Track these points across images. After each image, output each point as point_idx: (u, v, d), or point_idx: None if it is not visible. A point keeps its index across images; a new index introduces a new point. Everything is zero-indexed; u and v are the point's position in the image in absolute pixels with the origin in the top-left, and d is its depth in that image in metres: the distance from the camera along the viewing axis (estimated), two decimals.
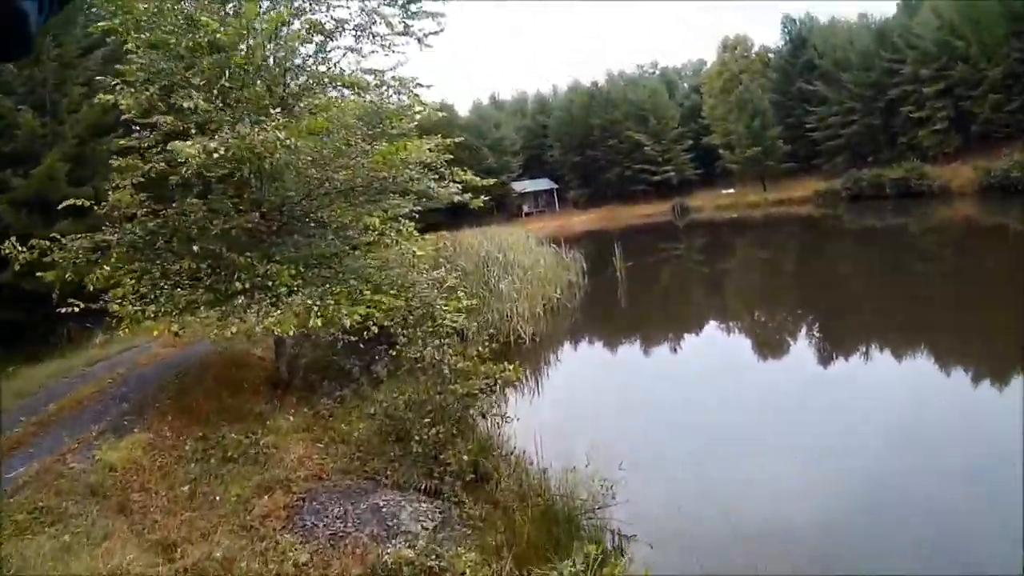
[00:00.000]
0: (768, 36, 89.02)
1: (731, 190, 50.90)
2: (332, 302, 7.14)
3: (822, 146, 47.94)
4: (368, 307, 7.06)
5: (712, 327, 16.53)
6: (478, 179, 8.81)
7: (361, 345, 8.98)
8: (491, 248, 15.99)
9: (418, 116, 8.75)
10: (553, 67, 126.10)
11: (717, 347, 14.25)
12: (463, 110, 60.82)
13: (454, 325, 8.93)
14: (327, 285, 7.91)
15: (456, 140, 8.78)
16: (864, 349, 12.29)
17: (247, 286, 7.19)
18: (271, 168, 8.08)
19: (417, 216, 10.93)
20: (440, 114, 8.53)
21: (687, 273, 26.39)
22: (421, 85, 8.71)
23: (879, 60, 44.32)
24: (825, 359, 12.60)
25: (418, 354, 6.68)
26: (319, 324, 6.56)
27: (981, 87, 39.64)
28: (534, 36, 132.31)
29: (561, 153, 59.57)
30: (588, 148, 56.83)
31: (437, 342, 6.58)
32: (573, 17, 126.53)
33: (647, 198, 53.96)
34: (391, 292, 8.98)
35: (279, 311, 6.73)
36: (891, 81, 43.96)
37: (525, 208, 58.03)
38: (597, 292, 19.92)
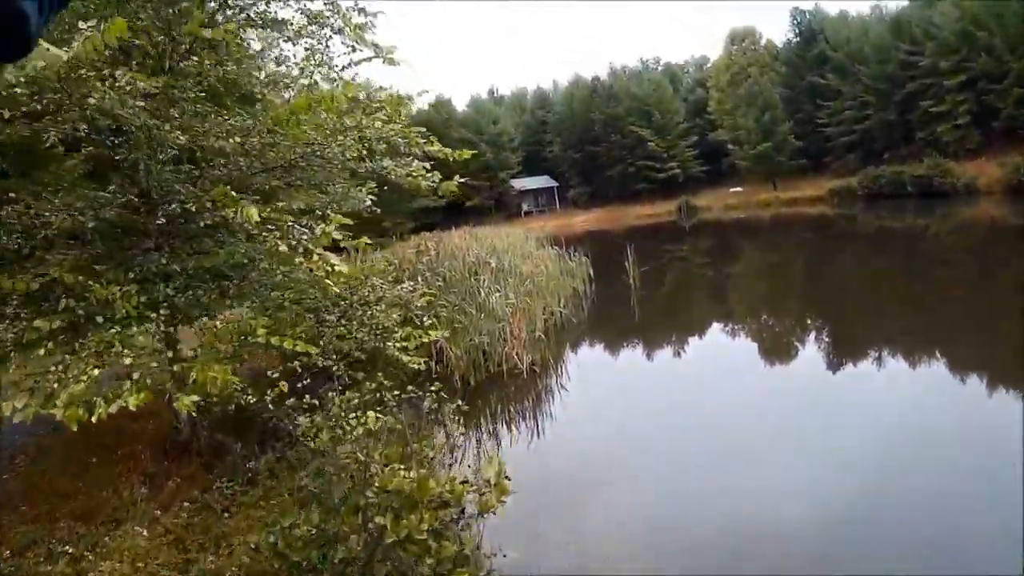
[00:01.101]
0: (768, 35, 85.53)
1: (739, 189, 47.77)
2: (193, 352, 4.17)
3: (834, 142, 44.89)
4: (224, 369, 4.07)
5: (740, 345, 13.51)
6: (449, 151, 5.86)
7: (280, 395, 5.99)
8: (482, 252, 12.95)
9: (362, 60, 5.79)
10: (550, 67, 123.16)
11: (750, 371, 11.27)
12: (460, 105, 58.02)
13: (416, 367, 5.98)
14: (213, 314, 4.93)
15: (410, 93, 5.74)
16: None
17: (54, 326, 4.23)
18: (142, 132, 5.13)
19: (368, 212, 7.97)
20: (394, 54, 5.53)
21: (701, 280, 23.32)
22: (366, 13, 5.69)
23: (895, 52, 41.29)
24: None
25: (327, 448, 3.71)
26: (139, 399, 3.63)
27: (1005, 80, 36.68)
28: (531, 36, 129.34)
29: (561, 149, 56.41)
30: (589, 144, 53.65)
31: (352, 435, 3.58)
32: (570, 17, 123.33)
33: (651, 197, 50.78)
34: (327, 321, 6.02)
35: (96, 371, 3.79)
36: (908, 74, 40.92)
37: (524, 207, 55.03)
38: (606, 302, 16.87)
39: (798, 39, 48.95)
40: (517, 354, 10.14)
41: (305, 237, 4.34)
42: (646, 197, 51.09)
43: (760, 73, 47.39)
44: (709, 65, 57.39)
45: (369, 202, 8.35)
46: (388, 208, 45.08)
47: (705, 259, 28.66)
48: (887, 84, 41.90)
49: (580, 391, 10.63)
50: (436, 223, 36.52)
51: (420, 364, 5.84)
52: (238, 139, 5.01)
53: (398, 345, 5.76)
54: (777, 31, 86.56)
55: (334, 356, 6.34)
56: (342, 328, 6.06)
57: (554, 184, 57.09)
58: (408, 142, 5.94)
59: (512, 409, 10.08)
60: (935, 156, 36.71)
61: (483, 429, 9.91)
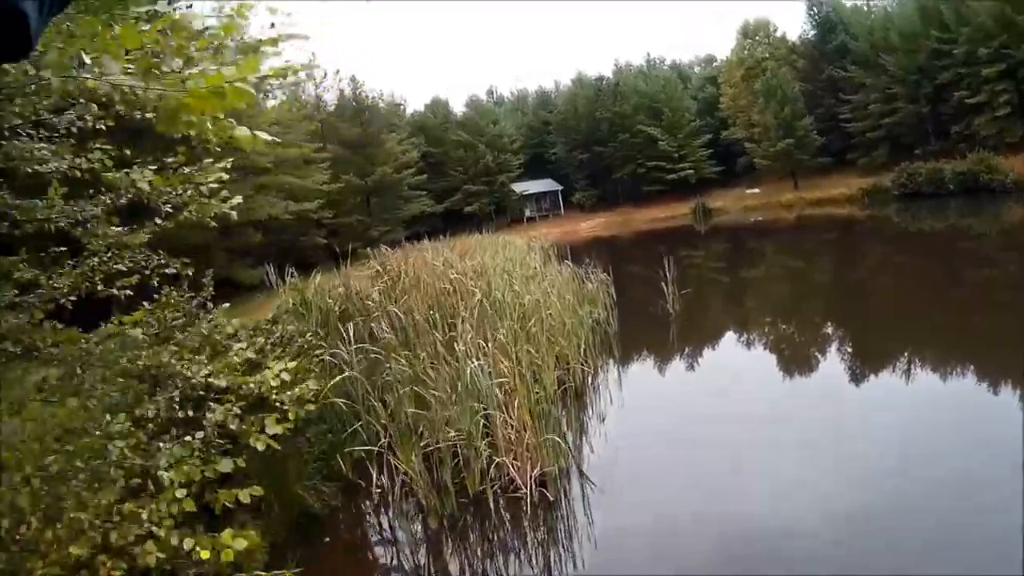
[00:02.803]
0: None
1: (756, 189, 43.16)
2: None
3: (858, 139, 40.29)
4: None
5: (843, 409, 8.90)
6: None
7: None
8: (462, 275, 8.47)
9: None
10: (551, 67, 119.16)
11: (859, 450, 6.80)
12: (458, 106, 53.84)
13: None
14: None
15: None
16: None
17: None
18: None
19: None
20: None
21: (752, 299, 18.69)
22: None
23: (925, 40, 36.69)
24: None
25: None
26: None
27: None
28: (529, 36, 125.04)
29: (566, 151, 51.81)
30: (595, 145, 49.02)
31: None
32: (568, 17, 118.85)
33: (662, 199, 46.11)
34: None
35: None
36: (940, 63, 36.34)
37: (527, 212, 50.53)
38: (638, 337, 12.28)
39: (815, 31, 44.50)
40: (514, 463, 5.68)
41: None
42: (656, 200, 46.53)
43: (778, 66, 42.79)
44: (719, 62, 52.89)
45: (234, 200, 4.14)
46: (377, 214, 40.60)
47: (739, 269, 24.10)
48: (917, 75, 37.34)
49: (619, 514, 6.10)
50: (434, 231, 31.84)
51: None
52: None
53: None
54: (780, 28, 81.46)
55: None
56: None
57: (558, 187, 52.57)
58: None
59: (506, 556, 5.60)
60: (978, 150, 32.07)
61: None
